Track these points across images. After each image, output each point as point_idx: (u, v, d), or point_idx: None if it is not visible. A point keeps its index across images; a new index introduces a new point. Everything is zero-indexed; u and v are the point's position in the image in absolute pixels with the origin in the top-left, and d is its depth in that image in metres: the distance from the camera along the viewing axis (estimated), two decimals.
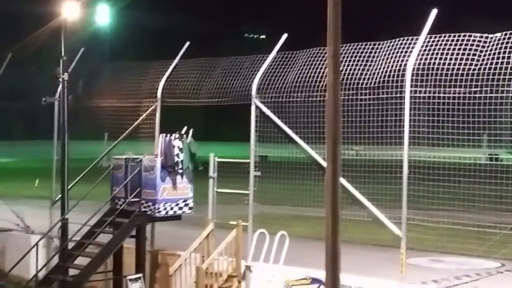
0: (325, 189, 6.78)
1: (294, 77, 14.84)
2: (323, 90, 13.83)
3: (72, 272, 15.11)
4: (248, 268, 14.59)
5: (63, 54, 16.89)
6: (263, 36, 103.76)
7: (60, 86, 17.16)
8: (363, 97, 13.63)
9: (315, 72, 14.48)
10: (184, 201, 15.51)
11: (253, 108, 15.11)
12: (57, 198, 17.79)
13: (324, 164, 10.73)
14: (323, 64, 14.25)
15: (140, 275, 15.01)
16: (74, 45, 18.38)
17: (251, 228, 14.82)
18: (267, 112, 14.99)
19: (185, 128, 15.71)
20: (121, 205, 15.27)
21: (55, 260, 15.78)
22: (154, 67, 18.16)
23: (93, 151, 20.04)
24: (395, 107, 13.24)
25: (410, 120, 12.79)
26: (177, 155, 15.22)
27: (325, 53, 13.98)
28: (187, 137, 15.55)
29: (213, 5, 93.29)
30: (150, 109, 17.37)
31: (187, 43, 17.58)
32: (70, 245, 15.67)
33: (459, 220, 14.36)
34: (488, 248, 14.03)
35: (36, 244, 15.45)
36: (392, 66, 13.45)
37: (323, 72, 14.10)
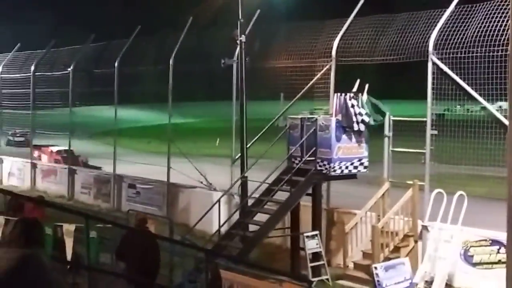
0: (507, 147, 6.51)
1: (474, 32, 14.23)
2: (505, 44, 13.17)
3: (252, 228, 15.59)
4: (425, 227, 14.40)
5: (240, 16, 17.29)
6: None
7: (238, 48, 17.62)
8: None
9: (496, 25, 13.81)
10: (359, 160, 15.48)
11: (430, 64, 14.72)
12: (237, 157, 18.39)
13: (506, 122, 10.28)
14: (505, 17, 13.55)
15: (316, 232, 15.23)
16: (251, 7, 18.70)
17: (427, 187, 14.57)
18: (445, 68, 14.54)
19: (357, 83, 15.60)
20: (297, 164, 15.51)
21: (236, 216, 16.36)
22: (328, 26, 18.09)
23: (270, 111, 20.39)
24: None
25: None
26: (355, 114, 15.15)
27: (508, 4, 13.32)
28: (362, 93, 15.44)
29: None
30: (325, 69, 17.38)
31: (362, 0, 17.33)
32: (250, 202, 16.18)
33: None
34: None
35: (218, 200, 16.02)
36: None
37: (505, 25, 13.42)
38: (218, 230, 15.75)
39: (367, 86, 15.46)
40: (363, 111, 15.15)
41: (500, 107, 13.82)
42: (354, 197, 17.06)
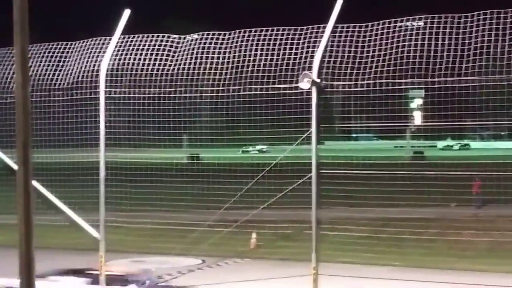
0: (17, 194, 6.27)
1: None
2: (13, 92, 13.05)
3: None
4: None
5: None
6: None
7: None
8: (56, 98, 13.09)
9: (4, 73, 13.65)
10: None
11: None
12: None
13: (16, 167, 10.06)
14: (12, 64, 13.47)
15: None
16: None
17: None
18: None
19: None
20: None
21: None
22: None
23: None
24: (91, 108, 12.90)
25: (106, 121, 12.49)
26: None
27: (14, 53, 13.27)
28: None
29: None
30: None
31: None
32: None
33: (161, 220, 14.45)
34: (188, 245, 14.29)
35: None
36: (87, 66, 13.12)
37: (13, 73, 13.32)
38: None
39: None
40: None
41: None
42: None
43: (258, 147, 20.58)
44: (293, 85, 12.81)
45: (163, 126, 13.75)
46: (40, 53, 13.40)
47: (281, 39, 12.82)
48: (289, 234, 16.22)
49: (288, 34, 12.78)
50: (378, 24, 12.27)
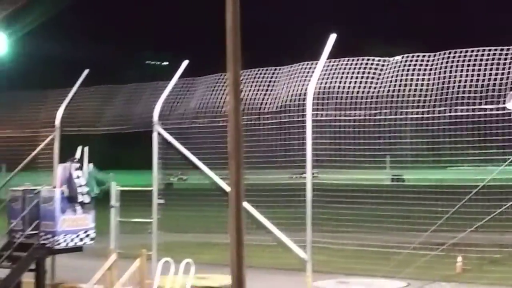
0: (229, 214, 6.61)
1: (196, 103, 14.72)
2: (225, 115, 13.73)
3: None
4: None
5: None
6: (165, 63, 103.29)
7: None
8: (265, 122, 13.61)
9: (217, 98, 14.41)
10: (85, 231, 15.03)
11: (155, 134, 14.87)
12: None
13: (228, 189, 10.60)
14: (225, 89, 14.21)
15: None
16: None
17: (155, 256, 14.50)
18: (169, 138, 14.77)
19: (79, 151, 15.23)
20: (18, 238, 14.68)
21: None
22: (52, 95, 17.66)
23: None
24: (298, 131, 13.28)
25: (312, 143, 12.81)
26: (80, 185, 14.77)
27: (227, 78, 13.99)
28: (83, 158, 15.08)
29: (113, 32, 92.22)
30: (48, 139, 16.84)
31: (86, 71, 17.18)
32: None
33: (365, 241, 14.49)
34: (393, 268, 14.22)
35: None
36: (294, 90, 13.54)
37: (225, 97, 14.04)
38: None
39: (86, 154, 15.13)
40: (84, 182, 14.82)
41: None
42: (81, 270, 16.49)
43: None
44: (500, 106, 12.45)
45: (367, 148, 13.82)
46: (250, 78, 14.01)
47: (486, 59, 12.51)
48: (497, 259, 15.66)
49: (494, 54, 12.45)
50: None
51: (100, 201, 15.33)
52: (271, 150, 13.63)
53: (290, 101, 13.39)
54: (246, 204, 11.78)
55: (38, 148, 17.00)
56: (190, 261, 13.68)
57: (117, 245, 15.33)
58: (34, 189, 14.89)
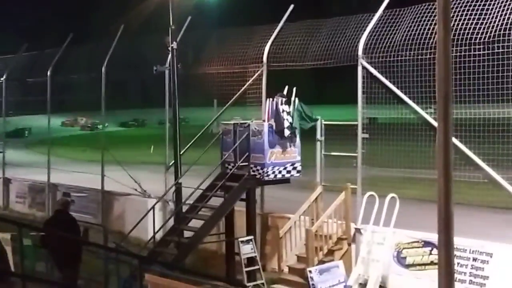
0: (437, 149, 6.53)
1: (402, 35, 14.36)
2: (433, 48, 13.34)
3: (187, 234, 15.47)
4: (358, 230, 14.49)
5: (171, 23, 17.18)
6: None
7: (170, 55, 17.49)
8: (476, 52, 12.99)
9: (424, 29, 13.98)
10: (292, 164, 15.48)
11: (359, 69, 14.83)
12: (170, 164, 18.24)
13: (435, 124, 10.40)
14: (432, 20, 13.74)
15: (251, 237, 15.17)
16: (182, 14, 18.60)
17: (360, 190, 14.64)
18: (375, 72, 14.67)
19: (286, 88, 15.58)
20: (231, 169, 15.43)
21: (171, 222, 16.24)
22: (259, 32, 18.08)
23: (204, 117, 20.32)
24: None
25: None
26: (286, 119, 15.16)
27: (435, 8, 13.51)
28: (290, 97, 15.42)
29: None
30: (256, 74, 17.37)
31: (291, 6, 17.41)
32: (184, 208, 16.03)
33: None
34: None
35: (153, 207, 15.89)
36: (509, 18, 12.75)
37: (433, 29, 13.60)
38: (153, 237, 15.62)
39: (294, 90, 15.45)
40: (290, 118, 15.16)
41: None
42: (288, 202, 17.07)
43: None
44: None
45: None
46: (461, 6, 13.30)
47: None
48: None
49: None
50: None
51: (306, 135, 15.65)
52: (482, 83, 13.00)
53: (505, 30, 12.65)
54: (454, 140, 11.52)
55: (247, 84, 17.59)
56: (395, 196, 13.69)
57: (322, 178, 15.66)
58: (244, 123, 15.51)
